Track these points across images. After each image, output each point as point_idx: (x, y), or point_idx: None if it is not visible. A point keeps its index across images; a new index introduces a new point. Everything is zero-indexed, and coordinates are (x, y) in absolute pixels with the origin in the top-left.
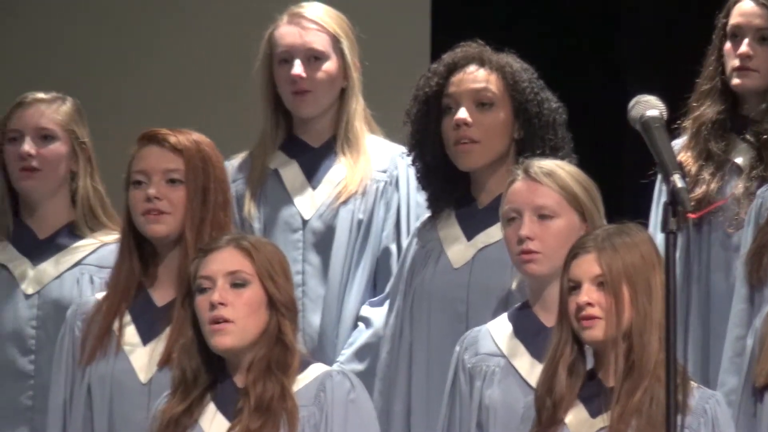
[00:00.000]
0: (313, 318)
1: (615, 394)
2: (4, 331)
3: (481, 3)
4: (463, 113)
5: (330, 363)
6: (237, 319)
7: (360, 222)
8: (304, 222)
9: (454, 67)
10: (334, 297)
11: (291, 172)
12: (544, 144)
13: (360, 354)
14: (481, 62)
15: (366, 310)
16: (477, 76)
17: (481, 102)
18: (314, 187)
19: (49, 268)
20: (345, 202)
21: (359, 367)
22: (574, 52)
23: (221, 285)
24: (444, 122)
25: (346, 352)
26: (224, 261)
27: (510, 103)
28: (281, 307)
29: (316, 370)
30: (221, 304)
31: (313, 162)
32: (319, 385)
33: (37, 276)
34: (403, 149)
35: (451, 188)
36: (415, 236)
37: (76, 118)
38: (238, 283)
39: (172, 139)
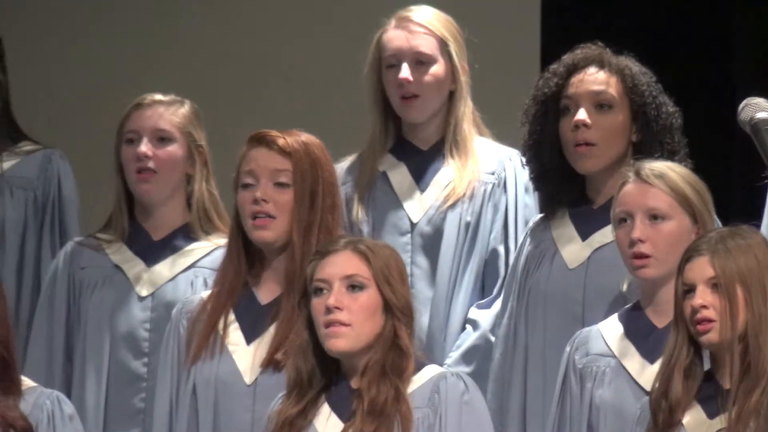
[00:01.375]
0: (421, 320)
1: (732, 395)
2: (117, 333)
3: (592, 5)
4: (582, 114)
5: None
6: (353, 322)
7: (468, 224)
8: (413, 225)
9: (574, 69)
10: (442, 299)
11: (399, 175)
12: (662, 147)
13: (467, 356)
14: (601, 64)
15: (474, 313)
16: (597, 78)
17: (600, 104)
18: (422, 190)
19: (163, 270)
20: (453, 205)
21: (466, 369)
22: (685, 55)
23: (338, 288)
24: (562, 123)
25: (454, 355)
26: (341, 264)
27: (628, 106)
28: (397, 311)
29: (430, 371)
30: (337, 308)
31: (422, 165)
32: (433, 386)
33: (152, 278)
34: (511, 152)
35: (567, 189)
36: (528, 236)
37: (194, 120)
38: (354, 287)
39: (281, 141)
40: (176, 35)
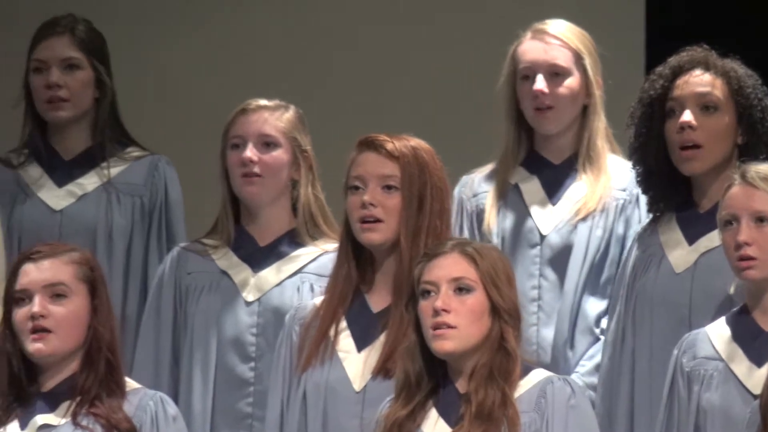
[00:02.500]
0: (546, 332)
1: None
2: (224, 338)
3: (697, 10)
4: (687, 116)
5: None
6: (459, 325)
7: (598, 238)
8: (542, 237)
9: (680, 71)
10: (567, 311)
11: (532, 188)
12: None
13: None
14: (707, 66)
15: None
16: (702, 80)
17: (705, 106)
18: (554, 204)
19: (269, 275)
20: (584, 219)
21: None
22: None
23: (445, 291)
24: (667, 125)
25: (588, 364)
26: (449, 267)
27: (734, 108)
28: (504, 313)
29: (537, 375)
30: (444, 310)
31: (554, 178)
32: (540, 390)
33: (258, 283)
34: None
35: (673, 192)
36: (636, 242)
37: (299, 125)
38: (461, 289)
39: (389, 145)
40: (283, 40)
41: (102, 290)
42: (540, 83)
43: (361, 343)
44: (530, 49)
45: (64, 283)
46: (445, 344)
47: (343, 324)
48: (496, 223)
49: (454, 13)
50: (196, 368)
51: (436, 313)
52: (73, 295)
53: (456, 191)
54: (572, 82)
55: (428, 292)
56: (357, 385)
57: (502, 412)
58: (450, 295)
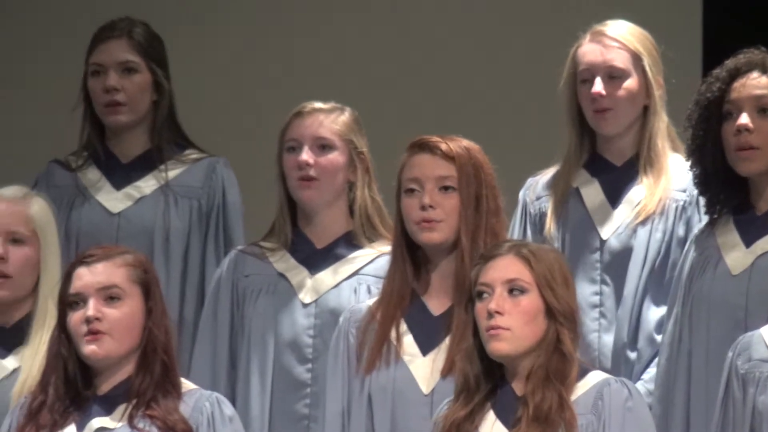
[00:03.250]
0: (608, 338)
1: None
2: (282, 339)
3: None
4: (744, 119)
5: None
6: (513, 326)
7: (658, 241)
8: (602, 242)
9: (737, 73)
10: (627, 317)
11: (592, 192)
12: None
13: None
14: (764, 69)
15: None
16: (759, 83)
17: (762, 108)
18: (614, 207)
19: (326, 277)
20: (643, 222)
21: None
22: None
23: (499, 293)
24: (725, 128)
25: (651, 371)
26: (503, 268)
27: None
28: (559, 315)
29: (594, 377)
30: (498, 312)
31: (614, 181)
32: (597, 393)
33: (315, 285)
34: None
35: (730, 194)
36: (693, 243)
37: (354, 128)
38: (516, 291)
39: (444, 146)
40: (339, 42)
41: (156, 292)
42: (598, 86)
43: (426, 347)
44: (588, 51)
45: (118, 286)
46: (499, 346)
47: (404, 327)
48: (557, 227)
49: (511, 13)
50: (253, 370)
51: (490, 315)
52: (127, 298)
53: (521, 194)
54: (631, 83)
55: (483, 293)
56: (425, 388)
57: (559, 414)
58: (504, 296)
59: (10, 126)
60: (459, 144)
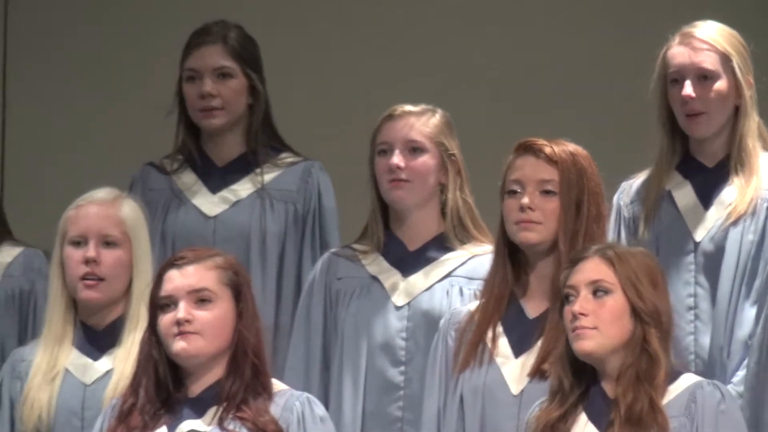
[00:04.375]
0: (704, 340)
1: None
2: (375, 342)
3: None
4: None
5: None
6: (598, 326)
7: (750, 242)
8: (696, 244)
9: None
10: (722, 318)
11: (684, 194)
12: None
13: None
14: None
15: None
16: None
17: None
18: (706, 209)
19: (419, 280)
20: (735, 223)
21: None
22: None
23: (583, 295)
24: None
25: (741, 374)
26: (588, 271)
27: None
28: (645, 316)
29: (687, 380)
30: (582, 314)
31: (707, 183)
32: (690, 395)
33: (408, 288)
34: None
35: None
36: None
37: (445, 130)
38: (599, 292)
39: (548, 149)
40: (433, 43)
41: (247, 294)
42: (688, 88)
43: (519, 350)
44: (678, 53)
45: (209, 289)
46: (584, 344)
47: (500, 329)
48: (651, 230)
49: (608, 13)
50: (346, 373)
51: (575, 316)
52: (218, 300)
53: (615, 198)
54: (721, 85)
55: (570, 296)
56: (515, 389)
57: (650, 417)
58: (588, 298)
59: (104, 129)
60: (564, 148)
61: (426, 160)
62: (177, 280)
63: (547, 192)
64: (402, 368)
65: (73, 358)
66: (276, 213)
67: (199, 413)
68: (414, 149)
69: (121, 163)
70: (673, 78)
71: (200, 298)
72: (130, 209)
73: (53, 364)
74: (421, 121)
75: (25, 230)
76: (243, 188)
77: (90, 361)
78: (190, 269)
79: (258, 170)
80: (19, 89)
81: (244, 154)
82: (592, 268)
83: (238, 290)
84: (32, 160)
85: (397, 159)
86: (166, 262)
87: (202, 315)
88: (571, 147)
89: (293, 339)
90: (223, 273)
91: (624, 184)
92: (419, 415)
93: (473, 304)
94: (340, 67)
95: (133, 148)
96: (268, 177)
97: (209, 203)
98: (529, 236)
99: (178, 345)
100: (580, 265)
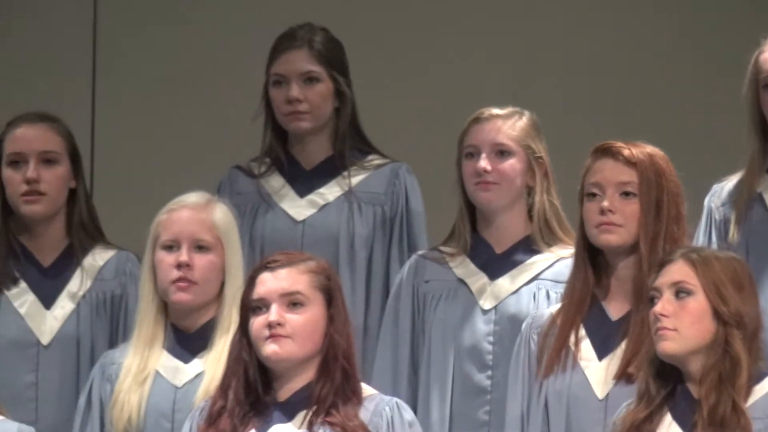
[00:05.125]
0: None
1: None
2: (462, 346)
3: None
4: None
5: None
6: (679, 327)
7: None
8: None
9: None
10: None
11: None
12: None
13: None
14: None
15: None
16: None
17: None
18: None
19: (506, 283)
20: None
21: None
22: None
23: (666, 297)
24: None
25: None
26: (672, 273)
27: None
28: (728, 318)
29: None
30: (663, 315)
31: None
32: None
33: (495, 291)
34: None
35: None
36: None
37: (532, 133)
38: (681, 293)
39: (626, 152)
40: (522, 48)
41: (338, 299)
42: None
43: (602, 352)
44: None
45: (301, 292)
46: (665, 346)
47: (582, 332)
48: (741, 233)
49: (687, 14)
50: (433, 376)
51: (657, 318)
52: (310, 304)
53: (706, 200)
54: None
55: (654, 298)
56: (600, 393)
57: (734, 419)
58: (670, 300)
59: (193, 132)
60: (642, 150)
61: (513, 163)
62: (269, 283)
63: (626, 194)
64: (489, 372)
65: (163, 361)
66: (364, 216)
67: (289, 417)
68: (501, 152)
69: (209, 166)
70: (765, 83)
71: (292, 302)
72: (222, 213)
73: (143, 366)
74: (508, 124)
75: (114, 233)
76: (330, 192)
77: (181, 363)
78: (283, 272)
79: (345, 173)
80: (108, 93)
81: (331, 157)
82: (676, 270)
83: (330, 294)
84: (121, 163)
85: (484, 162)
86: (259, 264)
87: (294, 318)
88: (649, 148)
89: (381, 343)
90: (316, 277)
91: (715, 187)
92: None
93: (554, 307)
94: (428, 68)
95: (220, 151)
96: (356, 180)
97: (297, 207)
98: (611, 239)
99: (269, 348)
100: (666, 268)
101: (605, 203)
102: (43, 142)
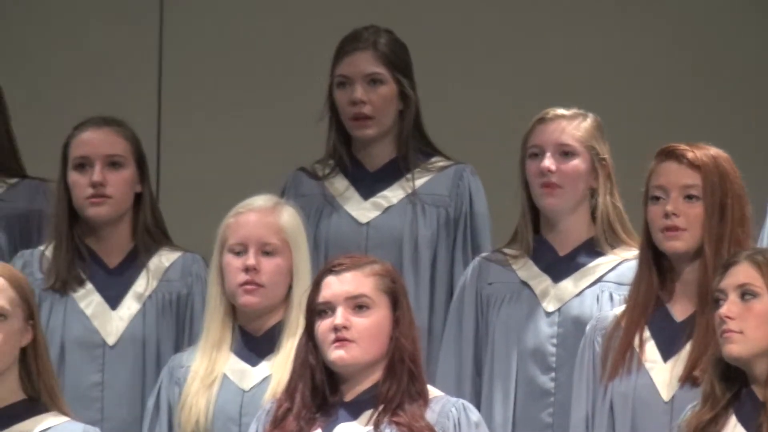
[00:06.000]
0: None
1: None
2: (525, 348)
3: None
4: None
5: None
6: (745, 329)
7: None
8: None
9: None
10: None
11: None
12: None
13: None
14: None
15: None
16: None
17: None
18: None
19: (569, 285)
20: None
21: None
22: None
23: (731, 299)
24: None
25: None
26: (737, 275)
27: None
28: None
29: None
30: (728, 317)
31: None
32: None
33: (558, 293)
34: None
35: None
36: None
37: (596, 134)
38: (746, 295)
39: (690, 155)
40: (586, 48)
41: (404, 302)
42: None
43: (667, 353)
44: None
45: (366, 295)
46: (731, 348)
47: (647, 333)
48: None
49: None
50: (497, 379)
51: (722, 320)
52: (375, 307)
53: None
54: None
55: (719, 300)
56: (665, 395)
57: None
58: (736, 302)
59: (257, 135)
60: (706, 152)
61: (577, 164)
62: (335, 286)
63: (690, 197)
64: (552, 374)
65: (231, 364)
66: (428, 218)
67: (354, 416)
68: (565, 153)
69: (274, 169)
70: None
71: (358, 305)
72: (289, 216)
73: (211, 369)
74: (573, 125)
75: (180, 237)
76: (394, 194)
77: (248, 366)
78: (348, 276)
79: (408, 175)
80: (174, 97)
81: (394, 160)
82: (741, 272)
83: (396, 297)
84: (187, 165)
85: (548, 162)
86: (324, 268)
87: (360, 322)
88: (713, 150)
89: (444, 345)
90: (381, 280)
91: None
92: (569, 421)
93: (618, 309)
94: (492, 70)
95: (285, 153)
96: (419, 182)
97: (361, 209)
98: (676, 245)
99: (336, 354)
100: (731, 270)
101: (669, 207)
102: (109, 145)
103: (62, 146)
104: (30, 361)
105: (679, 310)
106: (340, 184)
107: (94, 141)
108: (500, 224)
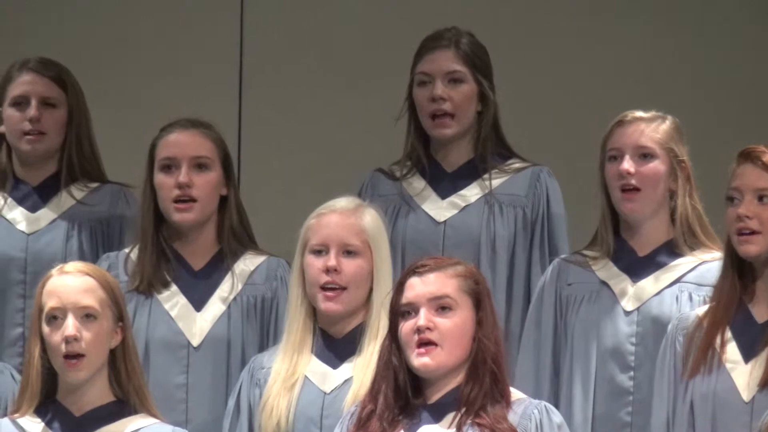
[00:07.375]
0: None
1: None
2: (604, 347)
3: None
4: None
5: None
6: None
7: None
8: None
9: None
10: None
11: None
12: None
13: None
14: None
15: None
16: None
17: None
18: None
19: (648, 285)
20: None
21: None
22: None
23: (748, 199)
24: None
25: None
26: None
27: None
28: None
29: None
30: (746, 216)
31: None
32: None
33: (637, 293)
34: None
35: None
36: None
37: (675, 136)
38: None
39: (766, 157)
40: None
41: (487, 303)
42: None
43: (748, 354)
44: None
45: (450, 296)
46: (748, 248)
47: (728, 334)
48: None
49: None
50: (576, 378)
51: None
52: (458, 308)
53: None
54: None
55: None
56: (746, 396)
57: None
58: (753, 202)
59: (334, 134)
60: None
61: (656, 166)
62: (418, 287)
63: (763, 199)
64: (631, 373)
65: (312, 366)
66: (505, 218)
67: (437, 418)
68: (644, 155)
69: (353, 169)
70: None
71: (441, 306)
72: (371, 219)
73: (292, 371)
74: (652, 127)
75: (261, 238)
76: (471, 193)
77: (329, 369)
78: (431, 277)
79: (486, 176)
80: (254, 100)
81: (472, 160)
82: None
83: (479, 299)
84: (267, 167)
85: (627, 165)
86: (408, 269)
87: (443, 323)
88: None
89: (523, 346)
90: (464, 281)
91: None
92: (648, 420)
93: (701, 309)
94: (571, 73)
95: (361, 153)
96: (496, 182)
97: (439, 209)
98: (750, 249)
99: (420, 361)
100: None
101: (741, 209)
102: (196, 147)
103: (149, 148)
104: (119, 362)
105: (760, 311)
106: (417, 184)
107: (181, 142)
108: (575, 226)
